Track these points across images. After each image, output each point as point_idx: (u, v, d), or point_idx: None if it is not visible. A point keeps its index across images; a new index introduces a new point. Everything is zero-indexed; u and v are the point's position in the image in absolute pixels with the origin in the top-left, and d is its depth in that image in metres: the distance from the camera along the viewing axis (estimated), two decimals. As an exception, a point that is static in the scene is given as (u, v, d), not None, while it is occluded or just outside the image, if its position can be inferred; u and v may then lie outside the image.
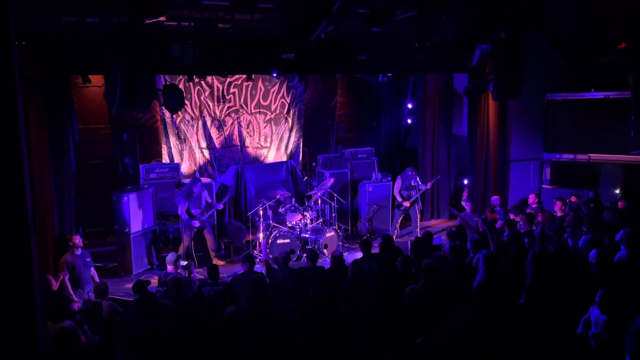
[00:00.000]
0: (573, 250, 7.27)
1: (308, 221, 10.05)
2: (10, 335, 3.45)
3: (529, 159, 11.61)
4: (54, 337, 4.71)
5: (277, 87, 12.10)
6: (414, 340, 4.36)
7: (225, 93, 11.54)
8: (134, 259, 9.28)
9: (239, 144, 11.90)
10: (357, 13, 8.12)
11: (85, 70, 8.75)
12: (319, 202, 10.90)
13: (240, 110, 11.81)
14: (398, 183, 10.84)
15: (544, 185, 11.72)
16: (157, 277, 8.03)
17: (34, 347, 3.55)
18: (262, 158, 12.23)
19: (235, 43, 8.98)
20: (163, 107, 10.11)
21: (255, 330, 4.86)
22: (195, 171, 11.07)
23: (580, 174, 11.58)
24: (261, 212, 9.85)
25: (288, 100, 12.33)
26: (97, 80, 9.79)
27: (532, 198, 10.25)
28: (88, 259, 7.70)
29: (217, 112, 11.56)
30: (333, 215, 10.68)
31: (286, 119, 12.38)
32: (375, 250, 7.48)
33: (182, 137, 11.27)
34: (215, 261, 9.57)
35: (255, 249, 9.92)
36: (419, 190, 10.68)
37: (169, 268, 7.28)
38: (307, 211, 10.06)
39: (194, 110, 11.31)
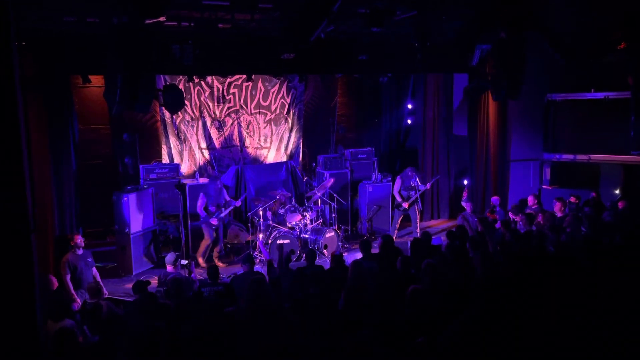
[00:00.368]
0: (572, 250, 7.29)
1: (308, 221, 10.05)
2: (10, 335, 3.45)
3: (529, 159, 11.62)
4: (54, 336, 4.71)
5: (277, 87, 12.10)
6: (415, 340, 4.36)
7: (225, 93, 11.53)
8: (133, 259, 9.28)
9: (238, 144, 11.90)
10: (357, 13, 8.12)
11: (85, 70, 8.75)
12: (319, 202, 10.90)
13: (240, 110, 11.81)
14: (398, 183, 10.84)
15: (543, 186, 11.73)
16: (157, 277, 8.03)
17: (34, 346, 3.55)
18: (262, 158, 12.23)
19: (235, 43, 8.98)
20: (163, 108, 10.11)
21: (255, 330, 4.86)
22: (195, 171, 11.07)
23: (580, 174, 11.59)
24: (261, 213, 9.85)
25: (288, 100, 12.32)
26: (97, 80, 9.79)
27: (531, 199, 10.25)
28: (89, 259, 7.71)
29: (217, 113, 11.56)
30: (333, 215, 10.68)
31: (286, 119, 12.38)
32: (375, 250, 7.49)
33: (182, 138, 11.27)
34: (217, 262, 9.56)
35: (255, 250, 9.92)
36: (418, 190, 10.67)
37: (169, 268, 7.28)
38: (307, 211, 10.07)
39: (194, 110, 11.31)
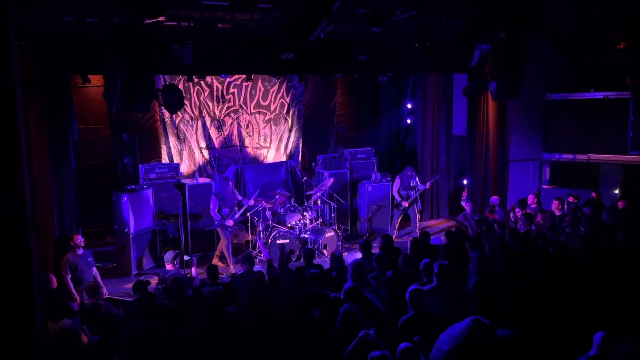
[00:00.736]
0: (571, 250, 7.30)
1: (307, 221, 10.05)
2: (10, 335, 3.45)
3: (529, 159, 11.63)
4: (54, 336, 4.71)
5: (276, 87, 12.10)
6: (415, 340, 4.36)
7: (224, 93, 11.53)
8: (133, 259, 9.29)
9: (238, 144, 11.90)
10: (357, 13, 8.11)
11: (85, 70, 8.75)
12: (319, 202, 10.90)
13: (240, 110, 11.80)
14: (397, 183, 10.85)
15: (543, 186, 11.74)
16: (156, 277, 8.03)
17: (34, 347, 3.55)
18: (261, 158, 12.23)
19: (235, 43, 8.97)
20: (162, 107, 10.11)
21: (255, 330, 4.86)
22: (194, 171, 11.06)
23: (580, 174, 11.60)
24: (260, 212, 9.85)
25: (288, 100, 12.32)
26: (96, 80, 9.78)
27: (531, 198, 10.26)
28: (90, 259, 7.71)
29: (217, 112, 11.55)
30: (332, 215, 10.69)
31: (286, 119, 12.37)
32: (375, 250, 7.49)
33: (182, 137, 11.27)
34: (217, 262, 9.52)
35: (254, 249, 9.91)
36: (418, 190, 10.68)
37: (168, 266, 7.28)
38: (307, 211, 10.07)
39: (194, 110, 11.30)
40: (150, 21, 6.59)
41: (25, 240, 3.46)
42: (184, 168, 11.24)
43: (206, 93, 11.35)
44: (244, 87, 11.69)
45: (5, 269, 3.41)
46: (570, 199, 9.85)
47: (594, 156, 11.12)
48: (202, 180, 10.46)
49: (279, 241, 9.36)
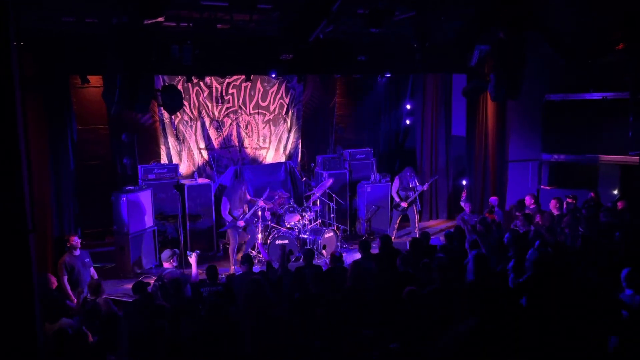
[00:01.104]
0: (570, 250, 7.30)
1: (307, 222, 10.04)
2: (10, 336, 3.44)
3: (528, 160, 11.63)
4: (53, 337, 4.70)
5: (275, 87, 12.09)
6: (415, 340, 4.36)
7: (223, 94, 11.52)
8: (132, 259, 9.27)
9: (237, 144, 11.89)
10: (356, 13, 8.11)
11: (85, 71, 8.74)
12: (318, 202, 10.90)
13: (239, 111, 11.80)
14: (396, 183, 10.85)
15: (542, 186, 11.74)
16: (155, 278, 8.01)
17: (33, 347, 3.55)
18: (260, 159, 12.22)
19: (235, 43, 8.97)
20: (162, 108, 10.10)
21: (254, 330, 4.86)
22: (194, 172, 11.05)
23: (579, 175, 11.62)
24: (260, 213, 9.85)
25: (287, 100, 12.32)
26: (95, 80, 9.77)
27: (528, 199, 10.26)
28: (87, 260, 7.69)
29: (216, 113, 11.55)
30: (332, 215, 10.68)
31: (285, 119, 12.37)
32: (374, 250, 7.48)
33: (181, 138, 11.26)
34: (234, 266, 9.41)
35: (253, 250, 9.90)
36: (416, 191, 10.68)
37: (165, 264, 7.27)
38: (306, 212, 10.06)
39: (193, 111, 11.30)
40: (150, 21, 6.59)
41: (24, 240, 3.46)
42: (183, 169, 11.23)
43: (205, 94, 11.34)
44: (243, 87, 11.69)
45: (4, 269, 3.41)
46: (569, 200, 9.86)
47: (592, 156, 11.14)
48: (201, 180, 10.45)
49: (278, 242, 9.35)
